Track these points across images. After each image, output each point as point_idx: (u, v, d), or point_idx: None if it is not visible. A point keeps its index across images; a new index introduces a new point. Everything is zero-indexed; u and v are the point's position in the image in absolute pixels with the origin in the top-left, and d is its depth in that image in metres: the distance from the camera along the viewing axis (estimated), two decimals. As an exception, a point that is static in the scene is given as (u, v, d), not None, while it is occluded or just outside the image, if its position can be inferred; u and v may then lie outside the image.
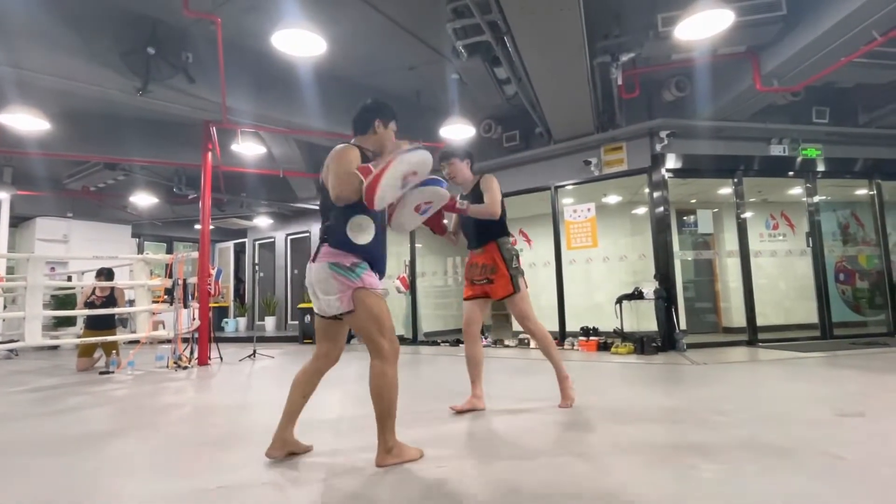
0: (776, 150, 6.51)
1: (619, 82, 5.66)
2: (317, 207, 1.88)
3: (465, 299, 3.15)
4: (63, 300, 8.88)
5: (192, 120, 6.50)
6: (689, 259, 7.74)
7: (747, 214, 6.54)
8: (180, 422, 3.14)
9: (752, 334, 6.17)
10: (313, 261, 2.13)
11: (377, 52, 6.10)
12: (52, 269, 9.62)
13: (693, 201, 7.84)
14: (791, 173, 6.68)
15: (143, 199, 9.98)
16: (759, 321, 6.25)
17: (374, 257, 2.14)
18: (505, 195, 7.87)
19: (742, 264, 6.34)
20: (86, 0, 4.88)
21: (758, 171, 6.52)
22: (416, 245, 8.60)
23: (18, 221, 10.22)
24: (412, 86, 7.02)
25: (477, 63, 5.44)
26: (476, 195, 3.04)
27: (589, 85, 5.47)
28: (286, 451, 2.22)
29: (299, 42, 4.65)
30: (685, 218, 7.69)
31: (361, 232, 2.09)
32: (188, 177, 9.56)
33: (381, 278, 2.20)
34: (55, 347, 8.56)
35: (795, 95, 6.11)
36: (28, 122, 5.85)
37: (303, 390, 2.24)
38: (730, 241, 7.10)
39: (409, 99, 7.30)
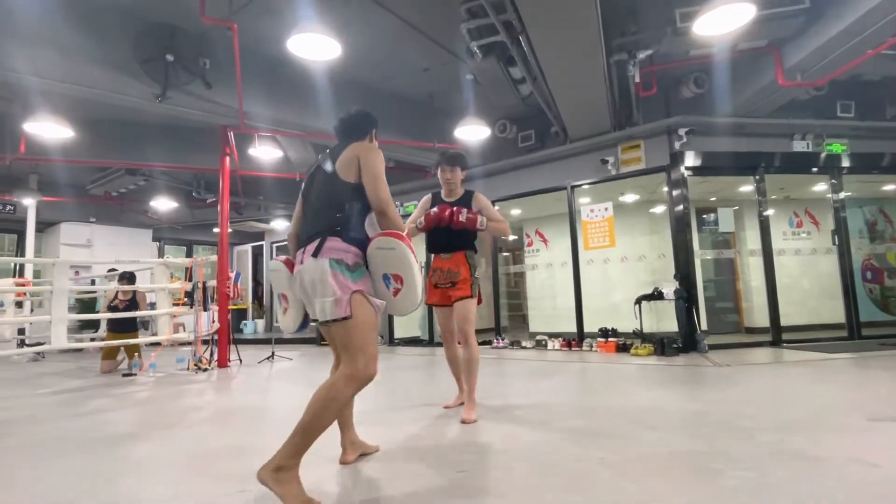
0: (799, 145, 6.34)
1: (637, 80, 5.58)
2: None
3: (429, 304, 3.29)
4: (87, 303, 9.06)
5: (210, 125, 6.59)
6: (710, 258, 7.59)
7: (770, 212, 6.39)
8: (201, 424, 3.17)
9: (776, 334, 6.02)
10: (314, 255, 1.85)
11: (391, 55, 6.11)
12: (77, 272, 9.83)
13: (713, 199, 7.70)
14: (815, 170, 6.50)
15: (164, 204, 10.16)
16: (783, 321, 6.09)
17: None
18: (521, 195, 7.81)
19: (765, 263, 6.19)
20: (105, 9, 4.98)
21: (780, 168, 6.36)
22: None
23: (44, 227, 10.49)
24: (426, 88, 7.03)
25: (492, 63, 5.41)
26: (463, 206, 3.09)
27: (605, 83, 5.40)
28: (358, 453, 2.24)
29: (314, 46, 4.69)
30: (705, 216, 7.55)
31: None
32: (207, 181, 9.73)
33: None
34: (80, 350, 8.74)
35: (819, 90, 5.96)
36: (52, 130, 6.02)
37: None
38: (751, 239, 6.95)
39: (423, 101, 7.30)
